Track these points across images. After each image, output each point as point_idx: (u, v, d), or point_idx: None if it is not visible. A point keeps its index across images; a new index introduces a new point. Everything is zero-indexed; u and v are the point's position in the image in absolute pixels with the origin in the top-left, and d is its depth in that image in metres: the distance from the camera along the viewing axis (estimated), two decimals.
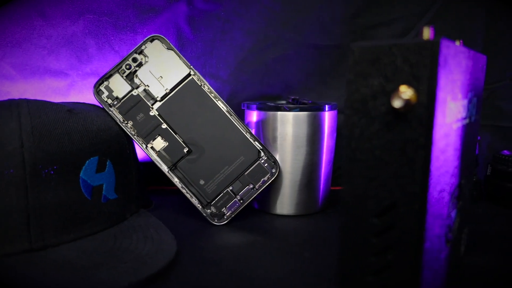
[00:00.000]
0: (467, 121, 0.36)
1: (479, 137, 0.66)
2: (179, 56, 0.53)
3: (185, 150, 0.53)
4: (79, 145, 0.45)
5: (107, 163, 0.48)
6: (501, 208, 0.61)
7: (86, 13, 0.61)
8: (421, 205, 0.28)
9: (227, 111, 0.53)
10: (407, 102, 0.27)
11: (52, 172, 0.43)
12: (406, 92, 0.27)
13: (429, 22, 0.67)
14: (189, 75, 0.53)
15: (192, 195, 0.53)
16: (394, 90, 0.27)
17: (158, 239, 0.45)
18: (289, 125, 0.55)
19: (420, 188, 0.28)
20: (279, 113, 0.55)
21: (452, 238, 0.36)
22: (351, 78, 0.30)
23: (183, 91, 0.53)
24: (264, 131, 0.57)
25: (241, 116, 0.59)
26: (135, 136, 0.52)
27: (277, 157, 0.55)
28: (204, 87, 0.53)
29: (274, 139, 0.56)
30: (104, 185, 0.48)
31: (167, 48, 0.53)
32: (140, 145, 0.52)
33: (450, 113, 0.30)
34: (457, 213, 0.37)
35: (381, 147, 0.29)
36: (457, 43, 0.38)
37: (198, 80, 0.53)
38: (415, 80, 0.27)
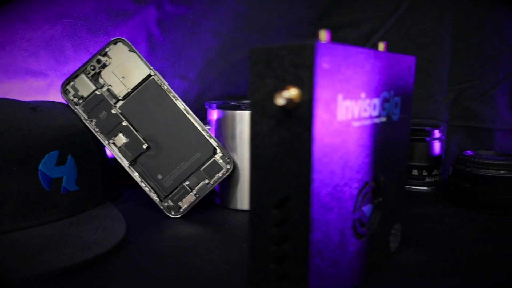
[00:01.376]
0: (383, 119, 0.37)
1: (443, 137, 0.66)
2: (140, 58, 0.56)
3: (145, 146, 0.56)
4: (39, 140, 0.49)
5: (68, 157, 0.52)
6: (459, 208, 0.61)
7: (63, 17, 0.65)
8: (306, 198, 0.30)
9: (185, 110, 0.56)
10: (290, 101, 0.29)
11: (12, 164, 0.47)
12: (289, 91, 0.29)
13: (396, 23, 0.68)
14: (149, 76, 0.56)
15: (150, 189, 0.56)
16: (284, 90, 0.29)
17: (110, 229, 0.48)
18: (246, 123, 0.57)
19: (305, 182, 0.29)
20: (237, 112, 0.58)
21: (366, 232, 0.38)
22: (251, 79, 0.32)
23: (144, 91, 0.56)
24: (224, 129, 0.59)
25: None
26: (98, 133, 0.56)
27: (236, 154, 0.58)
28: (163, 87, 0.56)
29: (233, 136, 0.58)
30: (64, 178, 0.51)
31: (129, 50, 0.56)
32: (103, 141, 0.56)
33: (344, 112, 0.32)
34: (374, 209, 0.39)
35: (276, 143, 0.31)
36: (381, 46, 0.39)
37: (158, 80, 0.56)
38: (298, 80, 0.29)
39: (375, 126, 0.36)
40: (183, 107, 0.56)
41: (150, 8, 0.65)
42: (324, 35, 0.32)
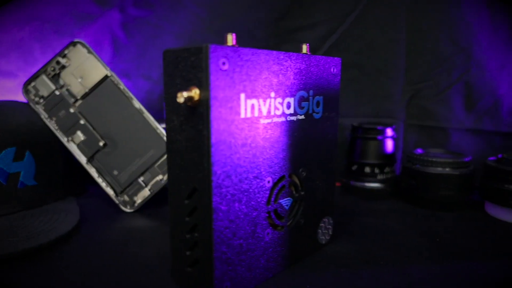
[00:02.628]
0: (301, 117, 0.40)
1: (395, 136, 0.68)
2: (98, 60, 0.59)
3: (101, 144, 0.59)
4: None
5: (26, 153, 0.55)
6: (406, 205, 0.63)
7: (32, 20, 0.68)
8: (208, 189, 0.32)
9: (140, 109, 0.59)
10: (190, 99, 0.31)
11: None
12: (190, 90, 0.31)
13: (352, 25, 0.70)
14: (106, 76, 0.59)
15: (107, 184, 0.59)
16: (187, 89, 0.32)
17: (61, 221, 0.51)
18: None
19: (207, 174, 0.32)
20: None
21: (286, 224, 0.40)
22: (164, 79, 0.34)
23: (101, 91, 0.59)
24: None
25: None
26: (57, 131, 0.59)
27: None
28: (119, 87, 0.59)
29: None
30: (22, 173, 0.54)
31: (88, 52, 0.59)
32: (62, 138, 0.59)
33: (250, 110, 0.34)
34: (294, 202, 0.41)
35: (185, 138, 0.33)
36: (304, 48, 0.42)
37: (114, 81, 0.59)
38: (198, 80, 0.31)
39: (290, 123, 0.39)
40: (138, 106, 0.59)
41: (113, 12, 0.68)
42: (230, 39, 0.34)
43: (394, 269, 0.41)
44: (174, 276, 0.38)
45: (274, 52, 0.36)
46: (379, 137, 0.66)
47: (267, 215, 0.38)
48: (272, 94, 0.36)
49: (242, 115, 0.34)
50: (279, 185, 0.39)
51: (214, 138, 0.31)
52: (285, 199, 0.40)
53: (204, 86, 0.31)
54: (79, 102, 0.59)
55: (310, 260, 0.43)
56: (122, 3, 0.67)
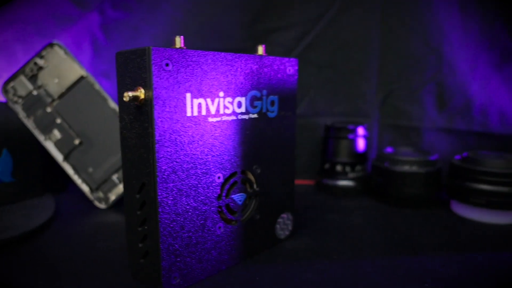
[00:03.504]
0: (253, 116, 0.41)
1: (367, 135, 0.69)
2: (74, 61, 0.61)
3: (77, 142, 0.61)
4: None
5: (4, 151, 0.57)
6: (374, 202, 0.64)
7: (15, 23, 0.70)
8: (154, 184, 0.34)
9: (114, 109, 0.61)
10: (135, 98, 0.33)
11: None
12: (135, 90, 0.33)
13: (326, 26, 0.72)
14: (82, 77, 0.61)
15: (82, 181, 0.61)
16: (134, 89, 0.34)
17: (35, 216, 0.53)
18: None
19: (153, 170, 0.34)
20: None
21: (239, 219, 0.42)
22: (117, 79, 0.36)
23: (77, 91, 0.61)
24: None
25: None
26: (35, 129, 0.61)
27: None
28: (95, 87, 0.61)
29: None
30: None
31: (65, 54, 0.61)
32: (39, 137, 0.61)
33: (196, 108, 0.36)
34: (248, 197, 0.43)
35: (135, 135, 0.35)
36: (260, 49, 0.43)
37: (90, 81, 0.61)
38: (142, 80, 0.33)
39: (242, 122, 0.40)
40: (113, 106, 0.61)
41: (93, 14, 0.70)
42: (178, 41, 0.36)
43: (345, 262, 0.43)
44: (130, 267, 0.40)
45: (222, 53, 0.38)
46: (350, 136, 0.67)
47: (218, 209, 0.39)
48: (221, 94, 0.38)
49: (189, 114, 0.35)
50: (231, 181, 0.40)
51: (158, 135, 0.33)
52: (238, 194, 0.41)
53: (148, 86, 0.33)
54: (56, 101, 0.61)
55: (267, 254, 0.45)
56: (101, 6, 0.69)
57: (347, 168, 0.68)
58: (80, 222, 0.55)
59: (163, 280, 0.35)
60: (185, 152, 0.35)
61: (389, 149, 0.66)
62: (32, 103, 0.61)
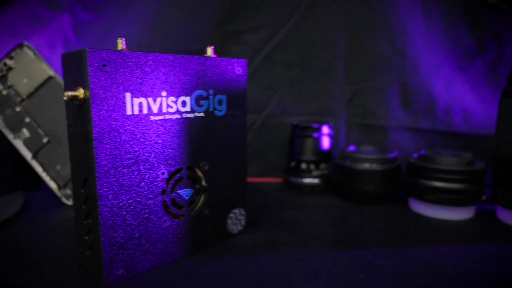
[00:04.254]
0: (199, 114, 0.43)
1: (332, 133, 0.71)
2: (43, 61, 0.62)
3: (45, 140, 0.62)
4: None
5: None
6: (335, 199, 0.66)
7: None
8: (94, 179, 0.35)
9: None
10: (74, 98, 0.35)
11: None
12: (75, 90, 0.35)
13: (293, 27, 0.73)
14: (50, 77, 0.62)
15: (50, 179, 0.62)
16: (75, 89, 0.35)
17: (1, 212, 0.55)
18: None
19: (92, 166, 0.35)
20: None
21: (186, 213, 0.43)
22: (64, 79, 0.38)
23: (45, 91, 0.63)
24: None
25: None
26: (4, 128, 0.62)
27: None
28: (63, 87, 0.62)
29: None
30: None
31: (33, 54, 0.62)
32: (8, 136, 0.62)
33: (137, 107, 0.37)
34: (195, 193, 0.44)
35: (78, 133, 0.37)
36: (209, 51, 0.45)
37: (58, 81, 0.62)
38: (82, 80, 0.35)
39: (187, 120, 0.42)
40: None
41: (65, 16, 0.71)
42: (120, 43, 0.38)
43: (289, 255, 0.45)
44: (80, 260, 0.41)
45: (164, 55, 0.39)
46: (315, 134, 0.69)
47: (163, 204, 0.41)
48: (164, 94, 0.40)
49: (129, 112, 0.37)
50: (176, 177, 0.42)
51: (96, 133, 0.35)
52: (185, 190, 0.43)
53: (86, 86, 0.34)
54: (25, 101, 0.63)
55: (217, 248, 0.47)
56: (72, 7, 0.71)
57: (312, 166, 0.69)
58: (45, 217, 0.57)
59: (105, 271, 0.37)
60: (125, 149, 0.37)
61: (351, 148, 0.68)
62: (2, 103, 0.63)
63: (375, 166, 0.62)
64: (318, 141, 0.69)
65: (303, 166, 0.70)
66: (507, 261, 0.43)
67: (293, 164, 0.71)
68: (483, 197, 0.57)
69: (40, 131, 0.63)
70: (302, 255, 0.45)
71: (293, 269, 0.41)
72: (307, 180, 0.70)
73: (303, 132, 0.70)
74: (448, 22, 0.72)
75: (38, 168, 0.63)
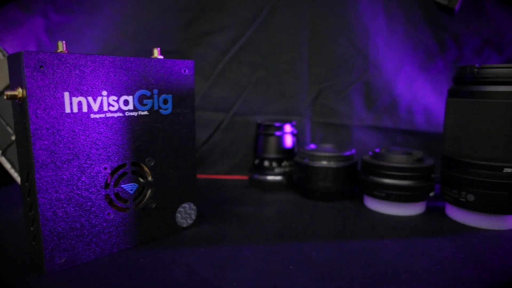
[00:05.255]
0: (143, 113, 0.45)
1: (295, 132, 0.73)
2: None
3: (14, 138, 0.65)
4: None
5: None
6: (295, 195, 0.68)
7: None
8: (33, 174, 0.38)
9: None
10: (12, 97, 0.37)
11: None
12: (15, 90, 0.37)
13: (258, 29, 0.75)
14: None
15: (18, 175, 0.65)
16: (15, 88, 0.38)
17: None
18: None
19: (31, 161, 0.38)
20: None
21: (131, 206, 0.46)
22: (9, 79, 0.40)
23: None
24: None
25: None
26: None
27: None
28: None
29: None
30: None
31: (3, 55, 0.65)
32: None
33: (76, 106, 0.40)
34: (141, 187, 0.46)
35: (20, 130, 0.39)
36: (155, 52, 0.47)
37: None
38: (20, 81, 0.37)
39: (130, 118, 0.44)
40: None
41: (37, 17, 0.74)
42: (61, 45, 0.40)
43: (230, 248, 0.47)
44: (28, 249, 0.44)
45: (104, 56, 0.41)
46: (277, 133, 0.71)
47: (106, 197, 0.43)
48: (104, 93, 0.42)
49: (68, 111, 0.39)
50: (120, 172, 0.44)
51: (34, 130, 0.37)
52: (129, 184, 0.45)
53: (24, 86, 0.37)
54: None
55: (164, 240, 0.49)
56: (44, 10, 0.73)
57: (274, 164, 0.71)
58: (9, 212, 0.60)
59: (46, 260, 0.39)
60: (65, 145, 0.39)
61: (311, 146, 0.70)
62: None
63: (330, 164, 0.64)
64: (280, 139, 0.72)
65: (266, 163, 0.72)
66: (441, 255, 0.45)
67: (257, 161, 0.73)
68: (431, 194, 0.59)
69: (8, 129, 0.65)
70: (241, 247, 0.47)
71: (227, 260, 0.43)
72: (270, 177, 0.72)
73: (266, 131, 0.72)
74: (409, 23, 0.74)
75: (7, 165, 0.65)
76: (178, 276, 0.40)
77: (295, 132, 0.73)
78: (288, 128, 0.72)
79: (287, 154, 0.72)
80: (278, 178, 0.72)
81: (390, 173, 0.57)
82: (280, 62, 0.77)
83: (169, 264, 0.43)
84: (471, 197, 0.53)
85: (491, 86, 0.50)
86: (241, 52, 0.77)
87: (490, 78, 0.50)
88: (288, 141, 0.72)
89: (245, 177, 0.79)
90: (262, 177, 0.72)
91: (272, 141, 0.72)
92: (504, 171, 0.50)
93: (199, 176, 0.81)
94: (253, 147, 0.75)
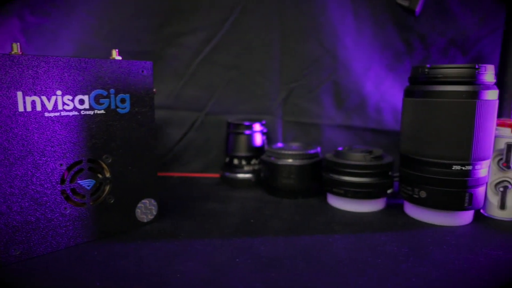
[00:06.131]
0: (99, 111, 0.47)
1: (265, 130, 0.75)
2: None
3: None
4: None
5: None
6: (261, 193, 0.70)
7: None
8: None
9: None
10: None
11: None
12: None
13: (229, 30, 0.77)
14: None
15: None
16: None
17: None
18: None
19: None
20: None
21: (88, 202, 0.47)
22: None
23: None
24: None
25: None
26: None
27: None
28: None
29: None
30: None
31: None
32: None
33: (29, 105, 0.41)
34: (98, 183, 0.48)
35: None
36: (113, 53, 0.49)
37: None
38: None
39: (85, 117, 0.46)
40: None
41: (13, 19, 0.76)
42: (15, 47, 0.42)
43: (185, 241, 0.48)
44: None
45: (57, 57, 0.43)
46: (247, 132, 0.73)
47: (62, 193, 0.45)
48: (59, 92, 0.44)
49: (21, 109, 0.41)
50: (76, 168, 0.46)
51: None
52: (86, 180, 0.47)
53: None
54: None
55: (124, 234, 0.51)
56: (20, 12, 0.75)
57: (244, 162, 0.73)
58: None
59: (0, 251, 0.41)
60: (18, 142, 0.41)
61: (278, 145, 0.72)
62: None
63: (293, 162, 0.65)
64: (250, 138, 0.73)
65: (236, 161, 0.73)
66: (386, 249, 0.47)
67: (227, 159, 0.75)
68: (389, 191, 0.60)
69: None
70: (194, 241, 0.49)
71: (178, 253, 0.45)
72: (239, 175, 0.73)
73: (235, 130, 0.73)
74: (377, 24, 0.75)
75: None
76: (127, 267, 0.42)
77: (264, 130, 0.75)
78: (257, 127, 0.74)
79: (256, 152, 0.74)
80: (247, 176, 0.73)
81: (348, 170, 0.59)
82: (252, 63, 0.79)
83: (122, 256, 0.44)
84: (423, 194, 0.54)
85: (440, 86, 0.52)
86: (213, 52, 0.78)
87: (439, 78, 0.52)
88: (258, 139, 0.74)
89: (217, 175, 0.80)
90: (232, 175, 0.74)
91: (241, 139, 0.73)
92: (453, 168, 0.52)
93: (174, 174, 0.83)
94: (224, 146, 0.77)
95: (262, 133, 0.75)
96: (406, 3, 0.63)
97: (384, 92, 0.77)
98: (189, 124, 0.81)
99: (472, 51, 0.74)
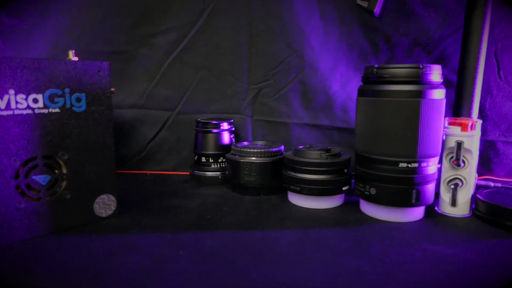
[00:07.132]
0: (54, 110, 0.49)
1: (232, 129, 0.76)
2: None
3: None
4: None
5: None
6: (226, 190, 0.72)
7: None
8: None
9: None
10: None
11: None
12: None
13: (199, 30, 0.79)
14: None
15: None
16: None
17: None
18: None
19: None
20: None
21: (42, 196, 0.49)
22: None
23: None
24: None
25: None
26: None
27: None
28: None
29: None
30: None
31: None
32: None
33: None
34: (53, 179, 0.50)
35: None
36: (70, 54, 0.51)
37: None
38: None
39: (40, 115, 0.48)
40: None
41: None
42: None
43: (136, 235, 0.50)
44: None
45: (10, 58, 0.45)
46: (215, 130, 0.75)
47: (16, 187, 0.47)
48: (11, 92, 0.46)
49: None
50: (30, 164, 0.48)
51: None
52: (41, 176, 0.49)
53: None
54: None
55: (82, 228, 0.53)
56: None
57: (211, 160, 0.75)
58: None
59: None
60: None
61: (243, 143, 0.73)
62: None
63: (255, 159, 0.67)
64: (217, 136, 0.75)
65: (204, 159, 0.75)
66: (329, 243, 0.48)
67: (196, 157, 0.77)
68: (345, 188, 0.62)
69: None
70: (145, 235, 0.50)
71: (126, 246, 0.47)
72: (207, 173, 0.75)
73: (204, 128, 0.75)
74: (343, 25, 0.77)
75: None
76: (72, 259, 0.44)
77: (232, 129, 0.77)
78: (225, 125, 0.75)
79: (224, 150, 0.75)
80: (215, 173, 0.75)
81: (303, 168, 0.61)
82: (221, 63, 0.80)
83: (70, 248, 0.46)
84: (373, 191, 0.56)
85: (388, 86, 0.53)
86: (184, 53, 0.80)
87: (387, 78, 0.53)
88: (226, 138, 0.76)
89: (188, 173, 0.82)
90: (200, 173, 0.76)
91: (209, 138, 0.75)
92: (399, 166, 0.53)
93: (147, 172, 0.85)
94: (194, 144, 0.79)
95: (230, 131, 0.76)
96: (365, 4, 0.64)
97: (351, 92, 0.79)
98: (161, 123, 0.83)
99: (436, 51, 0.76)
